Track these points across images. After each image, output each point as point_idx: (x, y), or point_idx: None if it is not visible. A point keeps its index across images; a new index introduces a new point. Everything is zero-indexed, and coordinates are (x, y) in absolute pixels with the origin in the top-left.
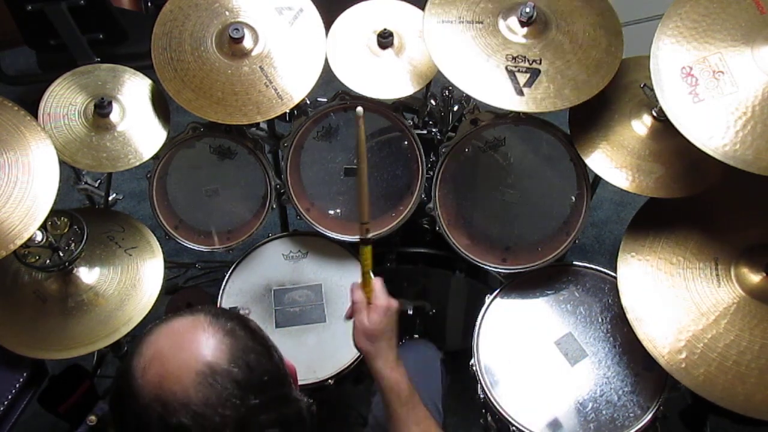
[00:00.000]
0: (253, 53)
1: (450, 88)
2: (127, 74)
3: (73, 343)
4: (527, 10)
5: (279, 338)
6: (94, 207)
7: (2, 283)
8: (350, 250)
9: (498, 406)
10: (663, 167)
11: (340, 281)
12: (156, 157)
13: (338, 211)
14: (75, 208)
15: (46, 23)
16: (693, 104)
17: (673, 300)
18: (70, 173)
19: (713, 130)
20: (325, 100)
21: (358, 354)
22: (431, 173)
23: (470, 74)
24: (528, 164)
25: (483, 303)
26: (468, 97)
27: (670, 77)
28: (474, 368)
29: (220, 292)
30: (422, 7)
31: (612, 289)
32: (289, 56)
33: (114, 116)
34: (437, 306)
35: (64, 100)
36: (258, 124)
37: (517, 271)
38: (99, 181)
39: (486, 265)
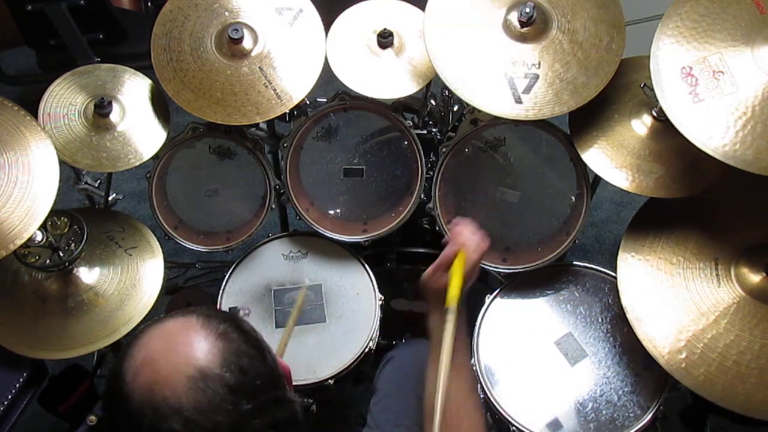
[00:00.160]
0: (253, 54)
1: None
2: (127, 74)
3: (73, 343)
4: (527, 10)
5: (279, 338)
6: (94, 207)
7: (2, 283)
8: (350, 250)
9: (498, 406)
10: (663, 167)
11: (340, 281)
12: (156, 157)
13: (338, 211)
14: (75, 208)
15: (46, 23)
16: (693, 104)
17: (673, 300)
18: (70, 173)
19: (713, 130)
20: (325, 100)
21: (358, 354)
22: (431, 173)
23: (470, 82)
24: (528, 164)
25: (483, 303)
26: None
27: (670, 77)
28: (474, 368)
29: (220, 292)
30: (422, 7)
31: (612, 289)
32: (289, 56)
33: (114, 116)
34: None
35: (64, 100)
36: (258, 124)
37: (517, 271)
38: (99, 181)
39: (486, 265)
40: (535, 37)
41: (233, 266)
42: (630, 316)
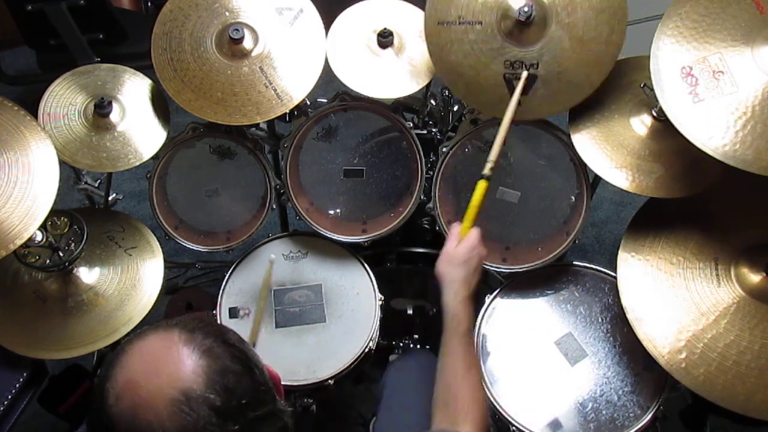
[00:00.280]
0: (253, 54)
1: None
2: (127, 74)
3: (73, 343)
4: (525, 9)
5: (279, 338)
6: (94, 207)
7: (2, 283)
8: (350, 251)
9: (498, 406)
10: (663, 167)
11: (340, 281)
12: (156, 157)
13: (338, 211)
14: (75, 208)
15: (46, 23)
16: (693, 104)
17: (673, 300)
18: (70, 173)
19: (713, 130)
20: (325, 100)
21: (358, 354)
22: (431, 173)
23: (470, 86)
24: (528, 164)
25: (483, 303)
26: None
27: (670, 77)
28: None
29: (220, 292)
30: (422, 7)
31: (612, 289)
32: (289, 57)
33: (114, 116)
34: (437, 306)
35: (64, 100)
36: (258, 124)
37: (517, 271)
38: (99, 181)
39: (486, 264)
40: (533, 37)
41: (233, 266)
42: (630, 316)
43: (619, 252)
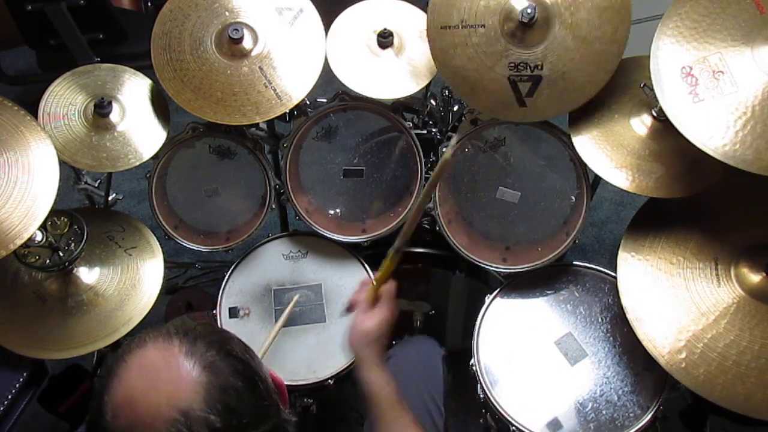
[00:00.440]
0: (253, 53)
1: (450, 87)
2: (127, 74)
3: (73, 343)
4: (528, 11)
5: (279, 338)
6: (94, 207)
7: (2, 283)
8: (350, 251)
9: (498, 406)
10: (663, 167)
11: (340, 281)
12: (156, 157)
13: (337, 211)
14: (75, 208)
15: (46, 23)
16: (693, 104)
17: (673, 300)
18: (70, 173)
19: (713, 130)
20: (325, 100)
21: None
22: (431, 173)
23: (475, 89)
24: (528, 164)
25: (483, 303)
26: None
27: (670, 77)
28: (474, 368)
29: (220, 292)
30: (422, 7)
31: (612, 289)
32: (289, 56)
33: (114, 116)
34: (437, 306)
35: (64, 100)
36: (258, 124)
37: (517, 271)
38: (99, 181)
39: (486, 264)
40: (537, 38)
41: (233, 266)
42: (630, 316)
43: (619, 252)
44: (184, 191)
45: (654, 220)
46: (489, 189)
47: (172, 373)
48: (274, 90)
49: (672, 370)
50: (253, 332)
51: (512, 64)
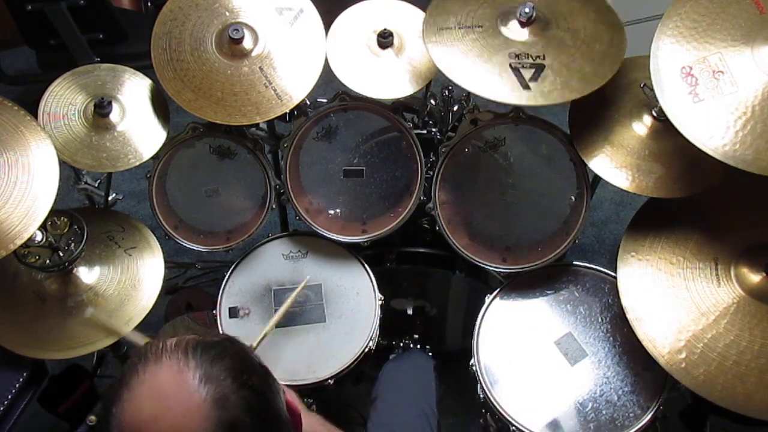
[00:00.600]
0: (253, 54)
1: (450, 87)
2: (127, 74)
3: (72, 343)
4: (526, 10)
5: (279, 338)
6: (94, 207)
7: (2, 283)
8: (350, 251)
9: (498, 406)
10: (663, 167)
11: (340, 281)
12: (156, 157)
13: (338, 211)
14: (75, 208)
15: (46, 23)
16: (693, 104)
17: (673, 300)
18: (70, 173)
19: (713, 130)
20: (325, 100)
21: (358, 354)
22: (431, 173)
23: (474, 73)
24: (528, 164)
25: (483, 303)
26: (468, 97)
27: (670, 77)
28: (474, 368)
29: (220, 292)
30: (422, 7)
31: (612, 289)
32: (289, 57)
33: (114, 116)
34: (437, 306)
35: (64, 100)
36: (258, 124)
37: (517, 271)
38: (99, 181)
39: (486, 265)
40: (537, 35)
41: (233, 266)
42: (630, 316)
43: (619, 252)
44: (184, 191)
45: (654, 220)
46: (489, 189)
47: (181, 404)
48: (275, 90)
49: (672, 370)
50: (253, 332)
51: (513, 54)
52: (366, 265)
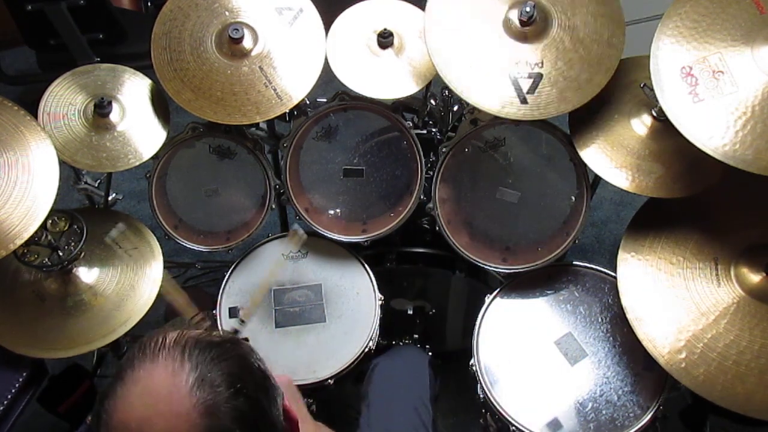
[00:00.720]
0: (253, 53)
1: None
2: (127, 74)
3: (72, 342)
4: (527, 9)
5: (279, 338)
6: (94, 207)
7: (2, 283)
8: (350, 251)
9: (498, 406)
10: (663, 167)
11: (340, 281)
12: (156, 157)
13: (338, 211)
14: (75, 208)
15: (46, 23)
16: (693, 104)
17: (673, 300)
18: (70, 173)
19: (713, 130)
20: (325, 100)
21: (358, 354)
22: (431, 173)
23: (476, 86)
24: (528, 164)
25: (483, 303)
26: None
27: (670, 77)
28: (474, 368)
29: (220, 292)
30: (422, 7)
31: (612, 289)
32: (289, 56)
33: (114, 116)
34: (437, 306)
35: (64, 100)
36: (257, 124)
37: (517, 270)
38: (99, 181)
39: (486, 264)
40: (536, 37)
41: (233, 266)
42: (630, 316)
43: (619, 252)
44: (184, 191)
45: (654, 220)
46: (489, 189)
47: (171, 409)
48: (274, 90)
49: (672, 370)
50: (252, 332)
51: (512, 62)
52: (366, 265)
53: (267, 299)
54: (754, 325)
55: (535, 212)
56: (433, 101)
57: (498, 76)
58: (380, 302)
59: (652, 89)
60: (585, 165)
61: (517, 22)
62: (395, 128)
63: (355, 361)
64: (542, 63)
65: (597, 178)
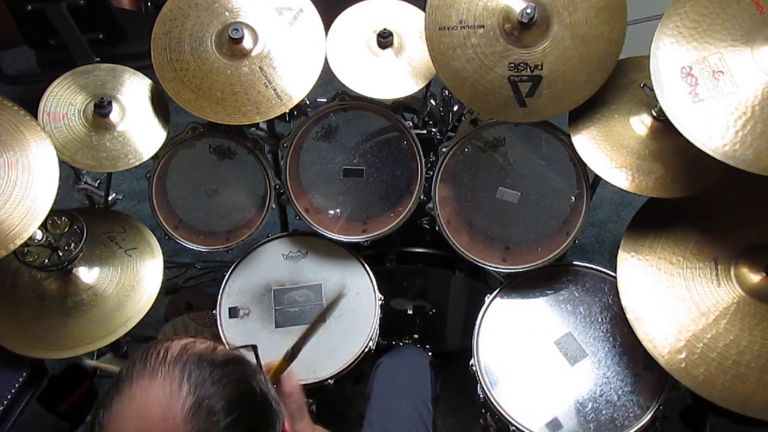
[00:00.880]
0: (253, 53)
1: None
2: (127, 74)
3: (72, 342)
4: (528, 11)
5: (279, 338)
6: (94, 207)
7: (2, 283)
8: (350, 251)
9: (498, 406)
10: (663, 167)
11: (340, 281)
12: (156, 157)
13: (337, 211)
14: (75, 208)
15: (46, 23)
16: (693, 104)
17: (673, 300)
18: (70, 173)
19: (713, 130)
20: (325, 100)
21: (358, 354)
22: (431, 173)
23: (475, 91)
24: (528, 164)
25: (483, 303)
26: None
27: (670, 77)
28: (474, 368)
29: (220, 292)
30: (422, 7)
31: (612, 289)
32: (289, 56)
33: (114, 116)
34: (437, 306)
35: (64, 100)
36: (257, 124)
37: (517, 270)
38: (99, 181)
39: (486, 264)
40: (536, 38)
41: (233, 266)
42: (630, 316)
43: (619, 252)
44: (184, 191)
45: (654, 220)
46: (489, 189)
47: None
48: (274, 90)
49: (672, 370)
50: (252, 332)
51: (512, 65)
52: (366, 265)
53: (267, 299)
54: (754, 325)
55: (535, 212)
56: (433, 101)
57: (497, 80)
58: (380, 302)
59: (652, 89)
60: (585, 165)
61: (517, 25)
62: (395, 128)
63: (355, 361)
64: (542, 65)
65: (597, 178)
